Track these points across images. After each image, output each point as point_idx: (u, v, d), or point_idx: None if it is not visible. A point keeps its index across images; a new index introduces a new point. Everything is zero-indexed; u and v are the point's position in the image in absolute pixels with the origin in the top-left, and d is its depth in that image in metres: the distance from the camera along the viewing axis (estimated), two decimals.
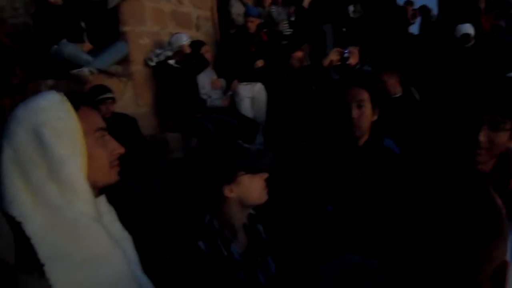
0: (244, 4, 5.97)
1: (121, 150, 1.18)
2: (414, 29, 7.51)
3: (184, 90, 4.62)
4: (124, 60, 4.60)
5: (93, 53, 4.40)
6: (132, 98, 4.64)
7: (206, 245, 1.45)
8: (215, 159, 1.50)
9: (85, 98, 1.19)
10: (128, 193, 3.51)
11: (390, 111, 4.00)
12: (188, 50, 4.70)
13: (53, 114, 1.08)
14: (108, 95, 3.89)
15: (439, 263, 0.68)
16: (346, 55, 2.57)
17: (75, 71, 4.14)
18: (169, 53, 4.67)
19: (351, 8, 6.32)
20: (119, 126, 3.90)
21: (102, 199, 1.21)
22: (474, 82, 1.50)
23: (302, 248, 1.60)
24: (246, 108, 5.26)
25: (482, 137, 1.40)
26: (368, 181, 1.90)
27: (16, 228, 0.77)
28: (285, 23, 6.74)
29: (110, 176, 1.16)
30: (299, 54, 3.26)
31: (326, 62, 2.52)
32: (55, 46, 4.23)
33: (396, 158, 1.96)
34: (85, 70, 4.15)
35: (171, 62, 4.63)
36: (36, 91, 4.43)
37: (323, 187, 1.89)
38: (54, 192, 1.04)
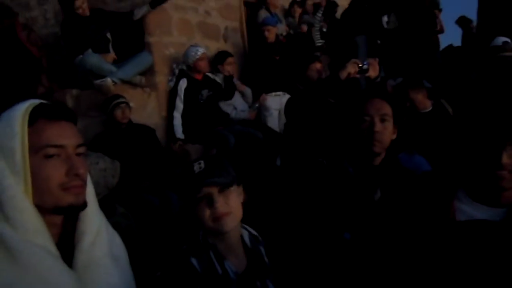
0: (272, 15, 5.87)
1: (81, 171, 1.06)
2: (455, 39, 7.20)
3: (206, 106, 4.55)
4: (149, 71, 4.58)
5: (118, 63, 4.41)
6: (155, 109, 4.61)
7: (199, 262, 1.37)
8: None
9: (50, 110, 1.09)
10: (146, 206, 3.44)
11: (419, 127, 3.78)
12: (202, 66, 4.56)
13: (1, 131, 1.02)
14: (122, 100, 3.86)
15: None
16: (365, 67, 2.40)
17: (98, 81, 4.15)
18: (184, 67, 4.59)
19: (385, 18, 6.11)
20: (137, 136, 3.86)
21: (91, 216, 1.13)
22: (503, 93, 1.31)
23: (308, 276, 1.44)
24: (273, 121, 5.13)
25: (506, 159, 1.20)
26: (385, 204, 1.72)
27: None
28: (317, 35, 6.62)
29: (61, 198, 1.04)
30: (317, 65, 3.11)
31: (343, 74, 2.35)
32: (80, 56, 4.26)
33: (415, 179, 1.77)
34: (108, 81, 4.15)
35: (184, 83, 4.51)
36: (62, 100, 4.50)
37: (338, 210, 1.72)
38: None
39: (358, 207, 1.72)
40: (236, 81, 5.13)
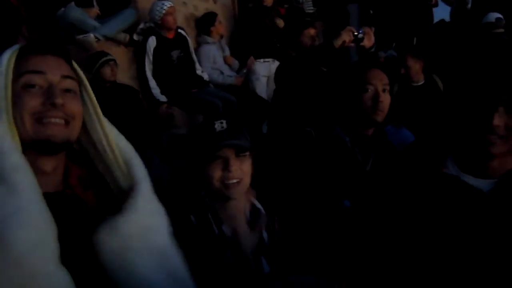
0: None
1: (58, 100, 0.99)
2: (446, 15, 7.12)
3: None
4: (133, 28, 4.40)
5: (102, 19, 4.23)
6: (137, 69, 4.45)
7: (197, 221, 1.38)
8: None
9: (38, 45, 1.04)
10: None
11: (410, 100, 3.75)
12: (171, 21, 4.21)
13: None
14: (110, 57, 3.73)
15: None
16: (360, 35, 2.32)
17: (80, 36, 3.98)
18: (150, 24, 4.28)
19: None
20: (121, 97, 3.74)
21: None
22: (492, 59, 1.27)
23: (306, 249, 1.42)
24: (261, 87, 5.04)
25: (497, 121, 1.16)
26: (375, 175, 1.73)
27: None
28: (309, 2, 6.46)
29: (37, 131, 0.98)
30: (311, 31, 3.01)
31: (338, 42, 2.28)
32: (62, 9, 4.08)
33: (396, 154, 1.77)
34: (91, 36, 3.99)
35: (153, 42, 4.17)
36: None
37: (335, 179, 1.71)
38: None
39: (355, 175, 1.72)
40: (226, 51, 4.99)
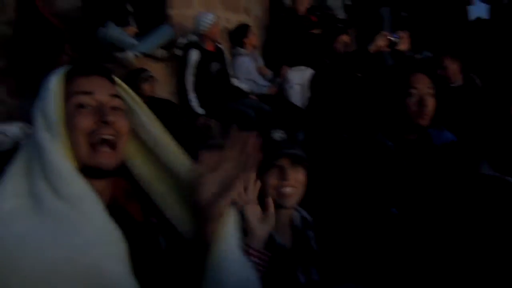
0: None
1: (110, 118, 1.02)
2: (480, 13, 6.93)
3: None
4: (170, 45, 4.53)
5: (139, 36, 4.38)
6: (178, 84, 4.57)
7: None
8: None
9: (84, 67, 1.09)
10: None
11: (449, 101, 3.68)
12: (214, 33, 4.36)
13: (42, 94, 1.04)
14: (149, 73, 3.85)
15: None
16: (395, 40, 2.32)
17: (119, 54, 4.14)
18: (194, 38, 4.41)
19: None
20: (159, 111, 3.84)
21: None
22: None
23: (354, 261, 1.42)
24: (295, 95, 5.05)
25: None
26: (421, 180, 1.69)
27: None
28: (340, 8, 6.44)
29: (88, 157, 1.02)
30: (344, 37, 3.02)
31: (373, 47, 2.28)
32: (102, 29, 4.25)
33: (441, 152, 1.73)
34: (130, 54, 4.14)
35: (196, 55, 4.28)
36: None
37: (381, 186, 1.70)
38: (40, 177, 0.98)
39: (401, 181, 1.69)
40: (259, 62, 5.05)
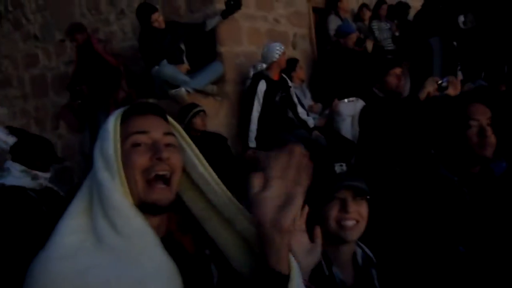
0: (343, 20, 5.77)
1: (164, 154, 1.06)
2: None
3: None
4: (220, 80, 4.67)
5: (191, 73, 4.54)
6: (226, 118, 4.69)
7: None
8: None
9: (139, 107, 1.14)
10: None
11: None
12: (283, 62, 4.50)
13: (101, 134, 1.09)
14: (200, 108, 3.97)
15: None
16: (444, 84, 2.29)
17: (173, 91, 4.30)
18: (264, 66, 4.52)
19: (461, 18, 5.79)
20: (211, 145, 3.94)
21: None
22: None
23: None
24: (346, 127, 5.02)
25: None
26: (487, 215, 1.63)
27: None
28: (388, 39, 6.42)
29: (144, 193, 1.06)
30: (397, 70, 2.98)
31: (423, 94, 2.26)
32: (156, 67, 4.44)
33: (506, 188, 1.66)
34: (182, 90, 4.28)
35: (263, 85, 4.37)
36: None
37: (448, 222, 1.64)
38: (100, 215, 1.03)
39: (467, 217, 1.63)
40: (307, 95, 5.09)
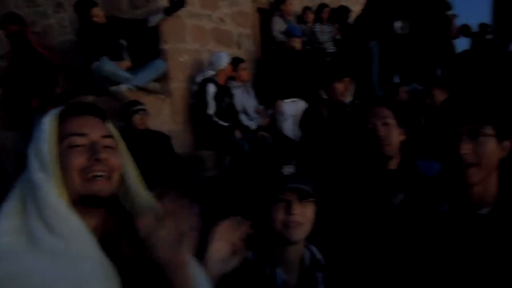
0: (287, 22, 5.87)
1: (102, 155, 1.06)
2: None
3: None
4: (163, 78, 4.61)
5: (133, 70, 4.44)
6: (169, 116, 4.63)
7: (254, 257, 1.42)
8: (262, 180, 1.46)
9: (77, 107, 1.13)
10: None
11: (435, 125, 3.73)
12: (229, 70, 4.71)
13: (36, 134, 1.07)
14: (140, 106, 3.90)
15: None
16: None
17: (113, 87, 4.19)
18: (211, 73, 4.63)
19: (398, 24, 6.06)
20: (152, 143, 3.87)
21: None
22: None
23: None
24: (288, 127, 5.12)
25: (463, 149, 1.19)
26: (405, 209, 1.69)
27: None
28: (329, 42, 6.60)
29: (84, 187, 1.05)
30: (347, 79, 3.06)
31: None
32: (96, 63, 4.30)
33: (426, 185, 1.75)
34: (123, 87, 4.19)
35: (213, 88, 4.55)
36: None
37: (363, 220, 1.72)
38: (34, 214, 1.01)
39: (381, 214, 1.71)
40: (251, 94, 5.17)
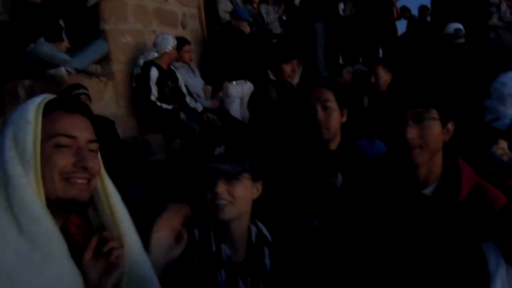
0: (232, 3, 5.80)
1: (89, 164, 1.03)
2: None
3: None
4: (104, 59, 4.44)
5: (72, 52, 4.25)
6: (112, 99, 4.49)
7: (200, 234, 1.43)
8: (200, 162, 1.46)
9: (66, 102, 1.09)
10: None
11: (379, 108, 3.85)
12: (174, 54, 4.61)
13: (17, 122, 1.01)
14: (81, 90, 3.77)
15: None
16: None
17: (51, 71, 4.00)
18: (155, 55, 4.49)
19: (341, 6, 6.17)
20: (96, 128, 3.74)
21: None
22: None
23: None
24: (235, 108, 5.12)
25: (409, 133, 1.26)
26: (346, 188, 1.79)
27: None
28: (276, 23, 6.60)
29: (64, 190, 1.02)
30: (295, 61, 3.07)
31: None
32: (32, 45, 4.09)
33: (369, 165, 1.81)
34: (62, 70, 4.00)
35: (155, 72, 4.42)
36: (13, 92, 4.32)
37: (304, 198, 1.76)
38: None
39: (321, 193, 1.76)
40: (196, 74, 5.09)
